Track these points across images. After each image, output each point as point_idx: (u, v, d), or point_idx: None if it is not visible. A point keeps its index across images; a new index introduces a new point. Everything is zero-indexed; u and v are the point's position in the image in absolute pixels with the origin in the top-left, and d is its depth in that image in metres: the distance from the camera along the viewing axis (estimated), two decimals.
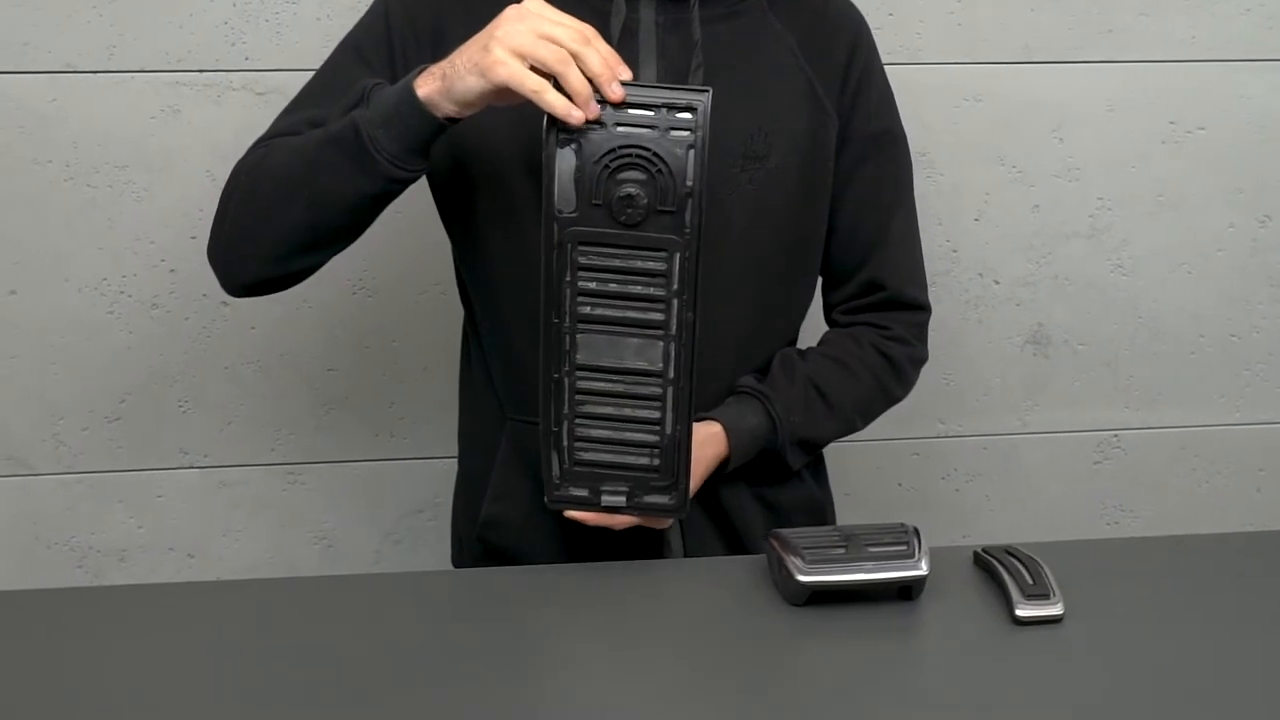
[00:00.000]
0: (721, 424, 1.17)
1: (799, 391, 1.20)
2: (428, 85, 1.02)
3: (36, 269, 1.53)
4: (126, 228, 1.53)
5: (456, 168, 1.16)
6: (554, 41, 0.97)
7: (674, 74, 1.14)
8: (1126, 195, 1.66)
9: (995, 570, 1.05)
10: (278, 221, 1.10)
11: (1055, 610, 1.00)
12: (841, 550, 1.03)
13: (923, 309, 1.28)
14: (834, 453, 1.69)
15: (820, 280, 1.29)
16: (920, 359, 1.28)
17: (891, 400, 1.28)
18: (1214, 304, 1.71)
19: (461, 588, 1.10)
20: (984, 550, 1.08)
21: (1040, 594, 1.01)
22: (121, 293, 1.55)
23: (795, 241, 1.22)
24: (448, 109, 1.01)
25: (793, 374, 1.20)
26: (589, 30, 0.99)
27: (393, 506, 1.67)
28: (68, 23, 1.45)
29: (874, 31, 1.54)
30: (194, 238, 1.53)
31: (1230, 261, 1.70)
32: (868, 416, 1.27)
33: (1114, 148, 1.64)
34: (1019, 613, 1.00)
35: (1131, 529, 1.79)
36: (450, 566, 1.33)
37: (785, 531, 1.06)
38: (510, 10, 1.00)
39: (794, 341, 1.28)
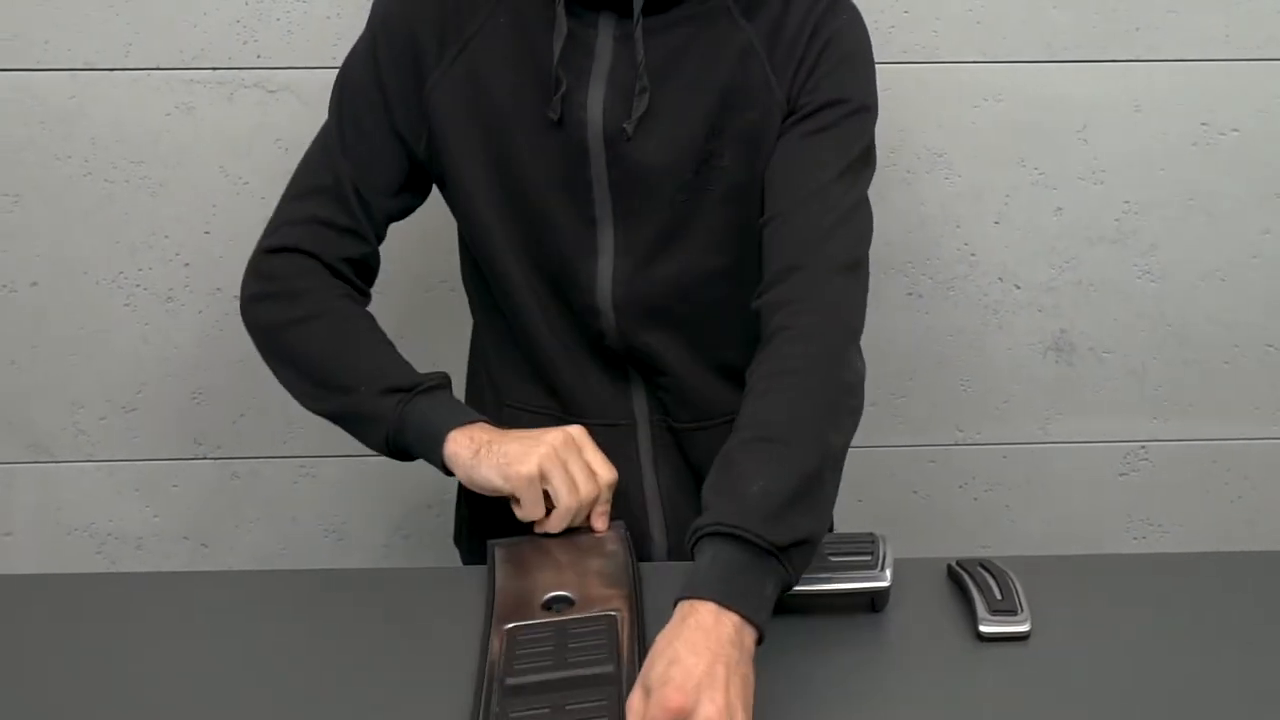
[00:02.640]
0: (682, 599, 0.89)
1: (729, 479, 0.94)
2: (458, 447, 1.07)
3: (56, 261, 1.56)
4: (142, 222, 1.56)
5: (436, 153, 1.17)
6: (573, 485, 1.04)
7: (622, 89, 1.11)
8: (1155, 199, 1.60)
9: (965, 584, 1.02)
10: (292, 384, 1.19)
11: (1021, 627, 0.97)
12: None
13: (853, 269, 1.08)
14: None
15: None
16: (852, 328, 1.06)
17: (838, 405, 1.02)
18: (1249, 312, 1.65)
19: (452, 583, 1.10)
20: (957, 563, 1.06)
21: (1007, 610, 0.98)
22: (138, 286, 1.58)
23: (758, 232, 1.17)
24: (459, 476, 1.08)
25: (717, 482, 0.95)
26: (606, 479, 1.06)
27: (401, 501, 1.68)
28: (86, 21, 1.49)
29: (888, 30, 1.53)
30: (207, 233, 1.56)
31: (1267, 269, 1.63)
32: (836, 431, 1.00)
33: (1141, 150, 1.58)
34: (983, 629, 0.97)
35: (1161, 544, 1.73)
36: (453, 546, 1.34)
37: None
38: (557, 436, 1.06)
39: None
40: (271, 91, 1.52)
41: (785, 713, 0.89)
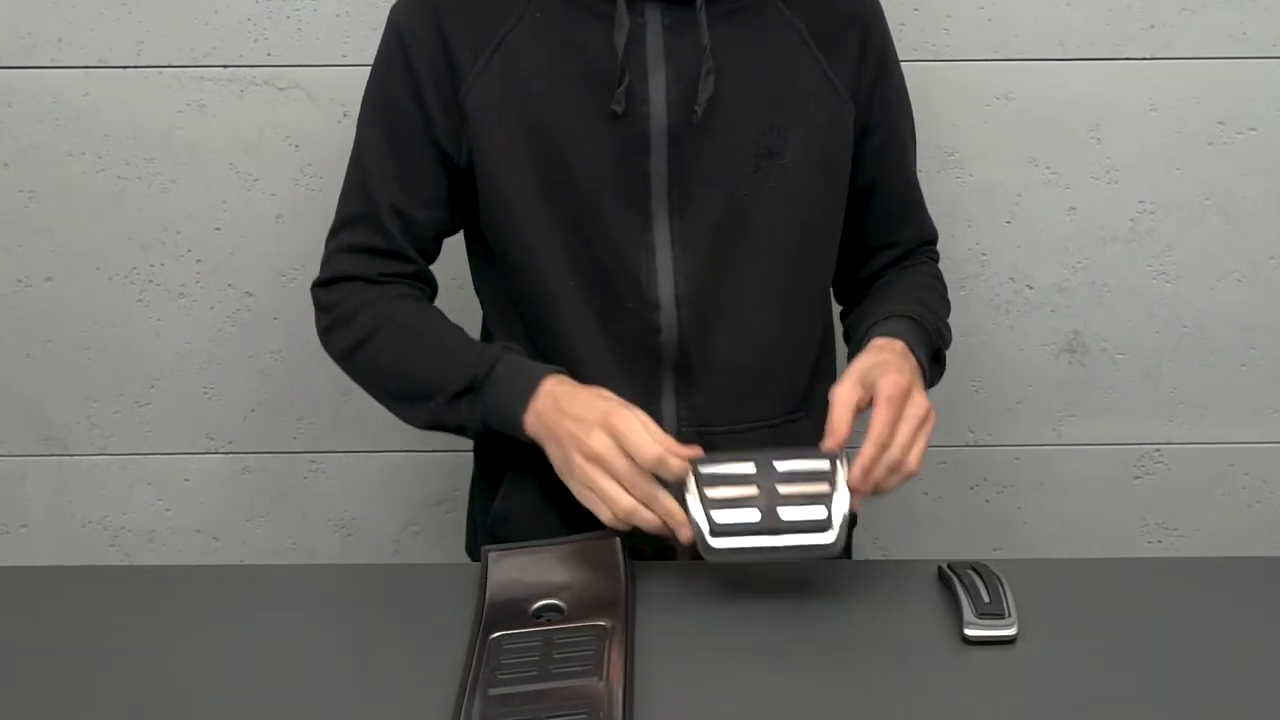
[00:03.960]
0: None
1: (915, 305, 1.21)
2: (532, 432, 1.07)
3: (71, 256, 1.58)
4: (154, 218, 1.57)
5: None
6: (613, 498, 1.01)
7: (683, 79, 1.12)
8: (1170, 199, 1.58)
9: (953, 586, 1.01)
10: (389, 407, 1.20)
11: (1007, 631, 0.96)
12: (756, 512, 1.00)
13: (936, 239, 1.35)
14: (853, 457, 1.65)
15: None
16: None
17: (947, 295, 1.31)
18: (1267, 314, 1.62)
19: (453, 583, 1.10)
20: (949, 565, 1.05)
21: (994, 613, 0.97)
22: (150, 281, 1.59)
23: (817, 231, 1.20)
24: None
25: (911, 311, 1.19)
26: (648, 459, 1.00)
27: (411, 498, 1.69)
28: (99, 19, 1.50)
29: (899, 26, 1.52)
30: (218, 229, 1.58)
31: None
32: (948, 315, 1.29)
33: (1157, 149, 1.56)
34: (968, 632, 0.96)
35: (1176, 548, 1.71)
36: (465, 554, 1.35)
37: (706, 469, 1.01)
38: (591, 447, 1.01)
39: (827, 326, 1.26)
40: (281, 89, 1.53)
41: (762, 712, 0.89)
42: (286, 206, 1.57)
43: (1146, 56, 1.53)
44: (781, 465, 1.01)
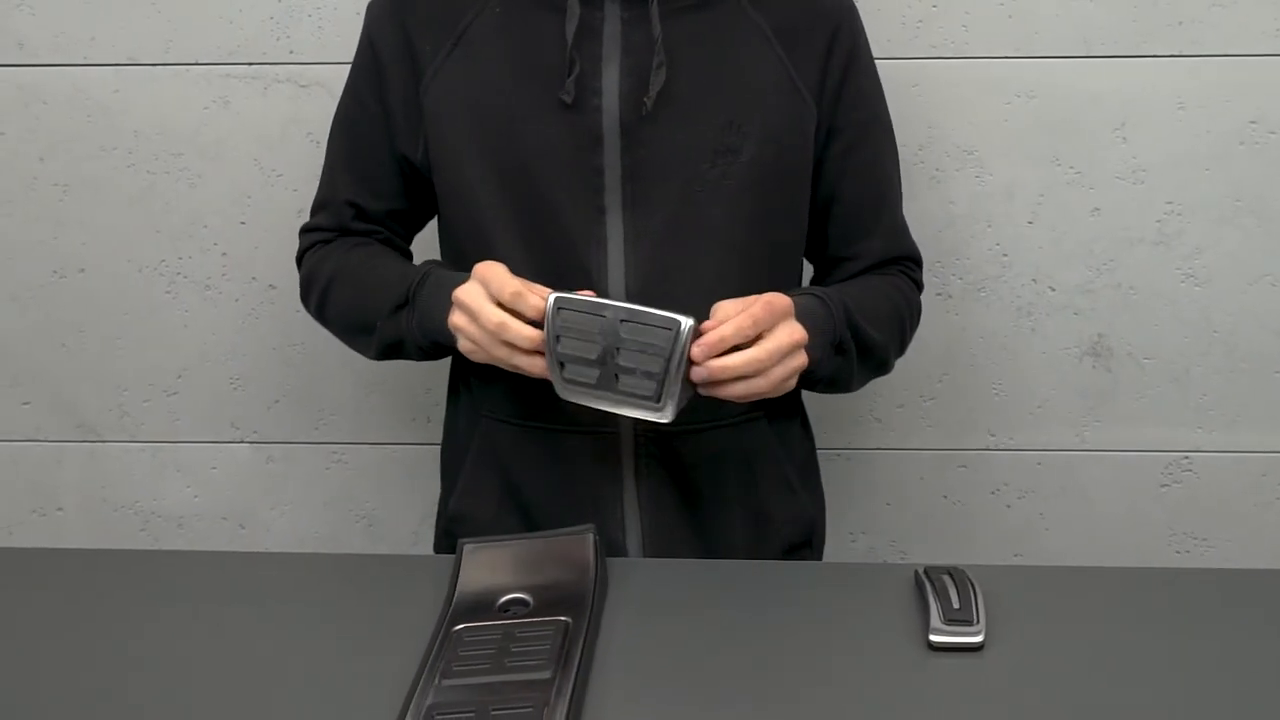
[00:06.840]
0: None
1: (836, 292, 1.17)
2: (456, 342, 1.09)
3: (102, 249, 1.63)
4: (182, 212, 1.61)
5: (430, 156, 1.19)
6: (481, 327, 1.04)
7: (635, 72, 1.12)
8: (1199, 200, 1.54)
9: (924, 591, 1.00)
10: (352, 346, 1.28)
11: (973, 639, 0.95)
12: (595, 373, 1.02)
13: (919, 262, 1.30)
14: (871, 459, 1.64)
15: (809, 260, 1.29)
16: (920, 305, 1.29)
17: (913, 316, 1.26)
18: None
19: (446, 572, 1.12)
20: (924, 570, 1.04)
21: (962, 620, 0.96)
22: (178, 274, 1.63)
23: (775, 232, 1.19)
24: None
25: (825, 293, 1.16)
26: (491, 324, 1.03)
27: (430, 489, 1.70)
28: (129, 19, 1.55)
29: (916, 24, 1.50)
30: (243, 223, 1.61)
31: None
32: (902, 334, 1.24)
33: (1185, 149, 1.52)
34: (933, 638, 0.95)
35: (1205, 559, 1.67)
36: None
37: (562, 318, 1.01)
38: (460, 291, 1.06)
39: None
40: (303, 86, 1.56)
41: (716, 713, 0.89)
42: (308, 201, 1.57)
43: (1174, 54, 1.49)
44: (625, 331, 1.00)
